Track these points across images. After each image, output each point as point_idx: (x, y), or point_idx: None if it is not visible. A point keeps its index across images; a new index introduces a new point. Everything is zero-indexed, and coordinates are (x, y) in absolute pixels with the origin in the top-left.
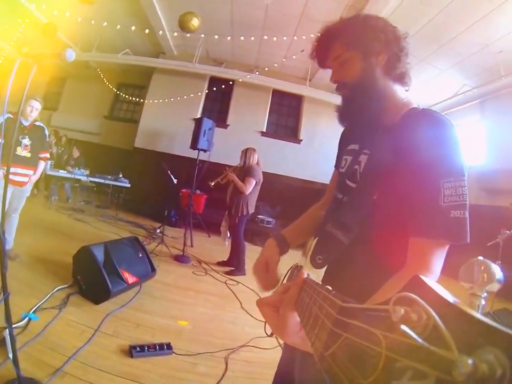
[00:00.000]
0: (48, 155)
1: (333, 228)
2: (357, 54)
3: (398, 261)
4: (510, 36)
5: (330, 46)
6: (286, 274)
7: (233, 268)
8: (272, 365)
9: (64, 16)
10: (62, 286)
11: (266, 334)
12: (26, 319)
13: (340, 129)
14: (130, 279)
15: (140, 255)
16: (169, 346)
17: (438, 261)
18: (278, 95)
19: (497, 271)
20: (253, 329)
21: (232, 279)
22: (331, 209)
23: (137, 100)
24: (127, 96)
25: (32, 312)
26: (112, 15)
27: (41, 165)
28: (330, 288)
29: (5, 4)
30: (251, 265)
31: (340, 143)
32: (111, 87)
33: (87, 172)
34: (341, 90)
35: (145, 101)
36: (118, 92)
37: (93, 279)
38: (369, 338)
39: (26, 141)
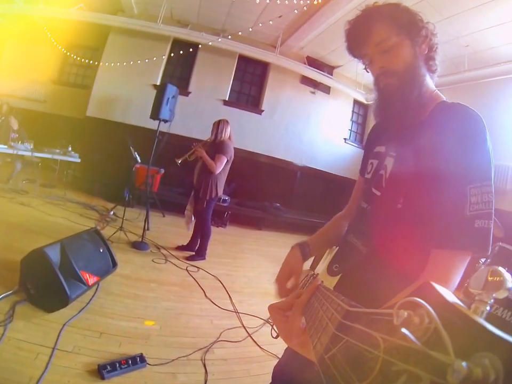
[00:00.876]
0: None
1: (354, 238)
2: (406, 40)
3: (413, 271)
4: (480, 33)
5: (373, 28)
6: (301, 282)
7: (193, 253)
8: (247, 359)
9: None
10: (5, 294)
11: (272, 336)
12: None
13: (303, 101)
14: (91, 279)
15: (101, 250)
16: (142, 358)
17: (458, 273)
18: (243, 61)
19: (509, 279)
20: (221, 320)
21: (193, 265)
22: (356, 219)
23: (90, 62)
24: (78, 58)
25: None
26: None
27: None
28: (339, 294)
29: None
30: (208, 249)
31: (366, 145)
32: (59, 47)
33: (32, 146)
34: (387, 79)
35: (100, 64)
36: (67, 53)
37: (47, 284)
38: (369, 342)
39: None
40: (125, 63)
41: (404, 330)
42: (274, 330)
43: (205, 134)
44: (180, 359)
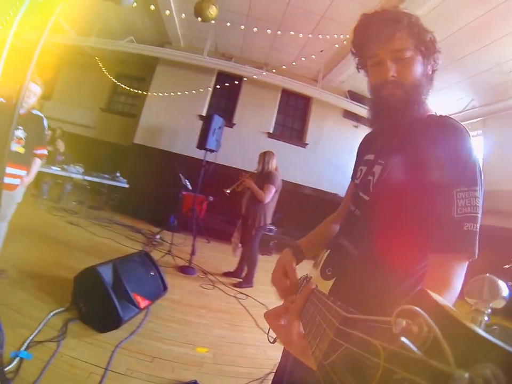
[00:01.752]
0: (46, 152)
1: (345, 240)
2: (419, 57)
3: (405, 273)
4: None
5: (396, 33)
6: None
7: (241, 280)
8: None
9: None
10: (58, 310)
11: (269, 341)
12: (17, 359)
13: (345, 135)
14: (142, 303)
15: (152, 274)
16: None
17: (457, 275)
18: (286, 95)
19: (504, 288)
20: (275, 351)
21: (241, 292)
22: (345, 222)
23: (138, 92)
24: (126, 88)
25: (24, 349)
26: None
27: (37, 163)
28: (335, 299)
29: None
30: (257, 278)
31: (357, 153)
32: (109, 77)
33: (82, 170)
34: (394, 89)
35: (148, 94)
36: (117, 83)
37: (99, 304)
38: (369, 349)
39: (20, 133)
40: (171, 94)
41: (403, 339)
42: (271, 336)
43: (249, 166)
44: None
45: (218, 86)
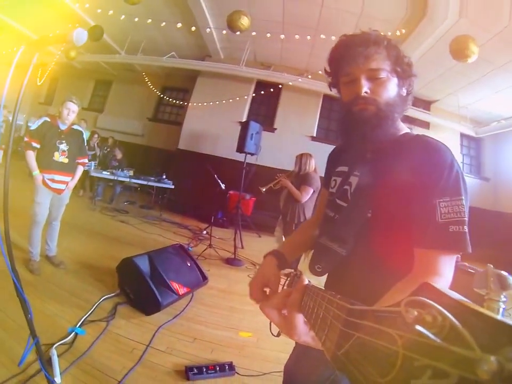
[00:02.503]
0: (86, 160)
1: (327, 241)
2: (395, 78)
3: (397, 266)
4: None
5: (374, 54)
6: (285, 281)
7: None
8: None
9: (109, 18)
10: (109, 295)
11: (273, 334)
12: (73, 334)
13: None
14: (181, 290)
15: (189, 264)
16: (231, 366)
17: (446, 265)
18: (328, 100)
19: (510, 277)
20: None
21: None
22: (323, 225)
23: (181, 103)
24: (171, 100)
25: (79, 326)
26: (157, 15)
27: (79, 170)
28: (334, 292)
29: (49, 7)
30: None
31: (328, 163)
32: (155, 90)
33: (131, 173)
34: (366, 105)
35: (189, 104)
36: (161, 95)
37: (141, 290)
38: (384, 338)
39: (63, 146)
40: (211, 103)
41: (418, 327)
42: (273, 329)
43: (291, 167)
44: (273, 373)
45: (254, 94)
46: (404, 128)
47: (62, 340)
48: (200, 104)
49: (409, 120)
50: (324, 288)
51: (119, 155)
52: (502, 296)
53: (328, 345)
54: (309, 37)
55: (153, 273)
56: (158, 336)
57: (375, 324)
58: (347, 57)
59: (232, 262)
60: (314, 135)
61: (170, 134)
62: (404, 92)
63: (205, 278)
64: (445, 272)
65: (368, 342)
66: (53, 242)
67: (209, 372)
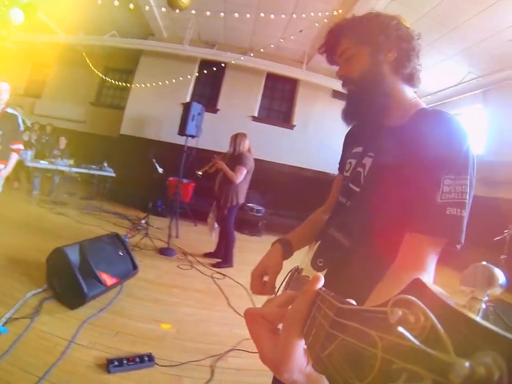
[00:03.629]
0: (21, 146)
1: (335, 231)
2: (364, 49)
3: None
4: None
5: (338, 41)
6: (285, 278)
7: (220, 260)
8: (262, 372)
9: None
10: (36, 291)
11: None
12: None
13: (336, 115)
14: (109, 280)
15: (121, 253)
16: (150, 357)
17: (431, 258)
18: (272, 78)
19: (500, 276)
20: (242, 329)
21: (219, 272)
22: (334, 213)
23: (125, 84)
24: (114, 81)
25: (1, 325)
26: None
27: (13, 157)
28: (328, 290)
29: None
30: (239, 257)
31: (344, 145)
32: (97, 72)
33: (71, 162)
34: (347, 86)
35: (132, 86)
36: (104, 77)
37: (68, 282)
38: (366, 340)
39: None
40: (154, 84)
41: (400, 329)
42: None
43: None
44: (190, 363)
45: (199, 74)
46: (419, 103)
47: None
48: (143, 85)
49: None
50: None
51: (63, 144)
52: (485, 295)
53: (314, 346)
54: (248, 15)
55: (82, 264)
56: (81, 331)
57: (360, 325)
58: (327, 51)
59: (165, 251)
60: (256, 115)
61: (113, 119)
62: (392, 55)
63: (135, 267)
64: (428, 264)
65: (351, 344)
66: None
67: (129, 363)
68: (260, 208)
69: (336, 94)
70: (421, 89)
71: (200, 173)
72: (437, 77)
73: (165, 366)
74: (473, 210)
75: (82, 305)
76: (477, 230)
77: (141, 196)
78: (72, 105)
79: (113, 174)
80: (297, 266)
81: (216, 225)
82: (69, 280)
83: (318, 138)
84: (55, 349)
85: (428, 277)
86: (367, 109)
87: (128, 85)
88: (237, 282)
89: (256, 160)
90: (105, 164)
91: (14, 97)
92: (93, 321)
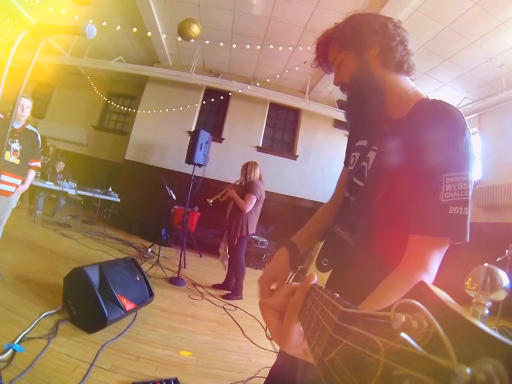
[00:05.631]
0: (39, 164)
1: (339, 229)
2: (349, 53)
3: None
4: None
5: (326, 52)
6: (290, 278)
7: (229, 292)
8: None
9: (55, 19)
10: (50, 312)
11: (268, 337)
12: (10, 351)
13: (337, 144)
14: (128, 305)
15: (138, 279)
16: (176, 381)
17: (435, 259)
18: (274, 108)
19: (504, 278)
20: (260, 359)
21: (230, 304)
22: (340, 209)
23: (128, 110)
24: (117, 106)
25: (17, 343)
26: (105, 18)
27: (31, 174)
28: (333, 293)
29: None
30: (246, 289)
31: (348, 139)
32: (101, 96)
33: (75, 185)
34: (344, 91)
35: (138, 112)
36: (108, 101)
37: (87, 305)
38: (369, 345)
39: (16, 146)
40: (160, 110)
41: (403, 335)
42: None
43: (237, 179)
44: None
45: (205, 102)
46: (420, 94)
47: None
48: (149, 111)
49: (346, 126)
50: (324, 287)
51: (61, 167)
52: (489, 300)
53: (317, 351)
54: (258, 46)
55: (102, 286)
56: (101, 355)
57: (363, 330)
58: (322, 67)
59: (175, 281)
60: (260, 145)
61: (116, 144)
62: (375, 52)
63: (151, 294)
64: (431, 264)
65: (353, 349)
66: None
67: None
68: (264, 240)
69: (337, 124)
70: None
71: (211, 201)
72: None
73: None
74: (479, 237)
75: (102, 329)
76: (484, 255)
77: (144, 223)
78: (74, 128)
79: (117, 200)
80: (300, 267)
81: (227, 256)
82: (89, 303)
83: (318, 168)
84: (75, 371)
85: (429, 277)
86: (363, 107)
87: (133, 110)
88: (249, 314)
89: None
90: (110, 189)
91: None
92: (112, 346)
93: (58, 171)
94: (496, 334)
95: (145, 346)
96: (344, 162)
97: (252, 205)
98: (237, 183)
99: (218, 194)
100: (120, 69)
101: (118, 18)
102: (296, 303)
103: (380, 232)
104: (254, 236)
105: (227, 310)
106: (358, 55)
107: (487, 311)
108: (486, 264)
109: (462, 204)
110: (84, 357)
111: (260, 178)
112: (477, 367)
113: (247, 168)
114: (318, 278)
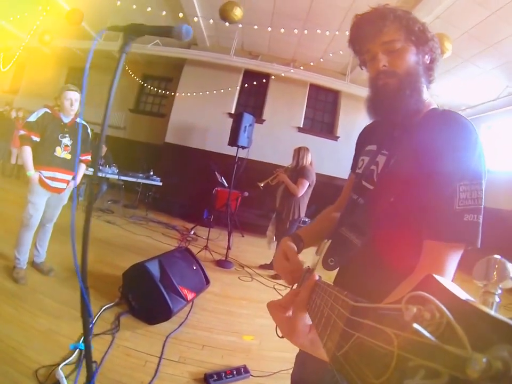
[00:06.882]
0: (90, 157)
1: (347, 231)
2: (412, 46)
3: (409, 264)
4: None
5: (384, 27)
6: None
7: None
8: None
9: (87, 2)
10: (109, 304)
11: (278, 335)
12: (77, 351)
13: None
14: (189, 295)
15: (194, 268)
16: (246, 369)
17: (451, 263)
18: (314, 89)
19: (510, 267)
20: None
21: (279, 284)
22: (346, 211)
23: (164, 92)
24: (153, 89)
25: (82, 341)
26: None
27: (82, 168)
28: (341, 289)
29: None
30: None
31: (357, 145)
32: (136, 79)
33: (117, 170)
34: (386, 79)
35: (176, 94)
36: (143, 84)
37: (150, 298)
38: (381, 338)
39: (66, 141)
40: (201, 93)
41: (416, 325)
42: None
43: (280, 160)
44: (282, 372)
45: (246, 85)
46: (432, 103)
47: (66, 359)
48: (188, 94)
49: None
50: (332, 284)
51: (103, 150)
52: (498, 289)
53: (329, 346)
54: (296, 30)
55: (163, 279)
56: (167, 346)
57: (375, 323)
58: (361, 36)
59: (223, 264)
60: (301, 126)
61: (153, 126)
62: (428, 59)
63: (208, 281)
64: (447, 270)
65: (366, 342)
66: (44, 247)
67: (227, 376)
68: (306, 219)
69: None
70: (458, 103)
71: (262, 184)
72: (473, 91)
73: (260, 376)
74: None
75: (166, 321)
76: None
77: (185, 205)
78: (111, 112)
79: (160, 183)
80: (309, 266)
81: (274, 238)
82: (152, 296)
83: None
84: (146, 366)
85: (447, 279)
86: (403, 104)
87: (171, 94)
88: None
89: None
90: (151, 173)
91: (53, 102)
92: (175, 336)
93: (100, 156)
94: (509, 320)
95: (207, 334)
96: (351, 168)
97: (304, 190)
98: (288, 167)
99: (269, 178)
100: (158, 53)
101: (153, 1)
102: (302, 299)
103: (387, 235)
104: (306, 219)
105: (278, 290)
106: (417, 53)
107: (497, 299)
108: (494, 255)
109: (475, 211)
110: (150, 350)
111: (311, 163)
112: (492, 355)
113: (300, 153)
114: (325, 276)
